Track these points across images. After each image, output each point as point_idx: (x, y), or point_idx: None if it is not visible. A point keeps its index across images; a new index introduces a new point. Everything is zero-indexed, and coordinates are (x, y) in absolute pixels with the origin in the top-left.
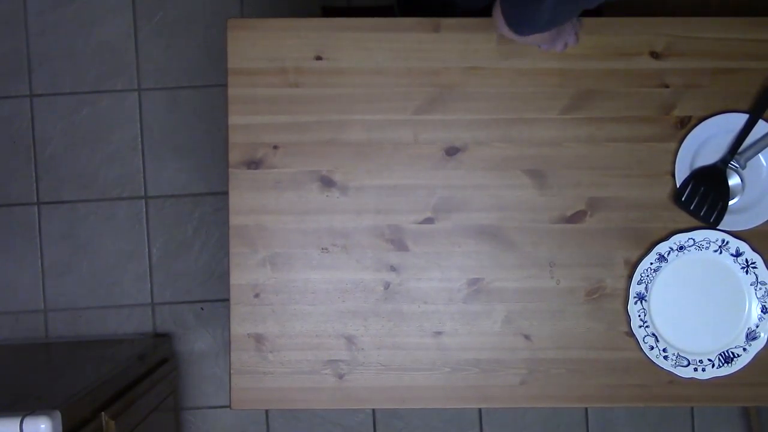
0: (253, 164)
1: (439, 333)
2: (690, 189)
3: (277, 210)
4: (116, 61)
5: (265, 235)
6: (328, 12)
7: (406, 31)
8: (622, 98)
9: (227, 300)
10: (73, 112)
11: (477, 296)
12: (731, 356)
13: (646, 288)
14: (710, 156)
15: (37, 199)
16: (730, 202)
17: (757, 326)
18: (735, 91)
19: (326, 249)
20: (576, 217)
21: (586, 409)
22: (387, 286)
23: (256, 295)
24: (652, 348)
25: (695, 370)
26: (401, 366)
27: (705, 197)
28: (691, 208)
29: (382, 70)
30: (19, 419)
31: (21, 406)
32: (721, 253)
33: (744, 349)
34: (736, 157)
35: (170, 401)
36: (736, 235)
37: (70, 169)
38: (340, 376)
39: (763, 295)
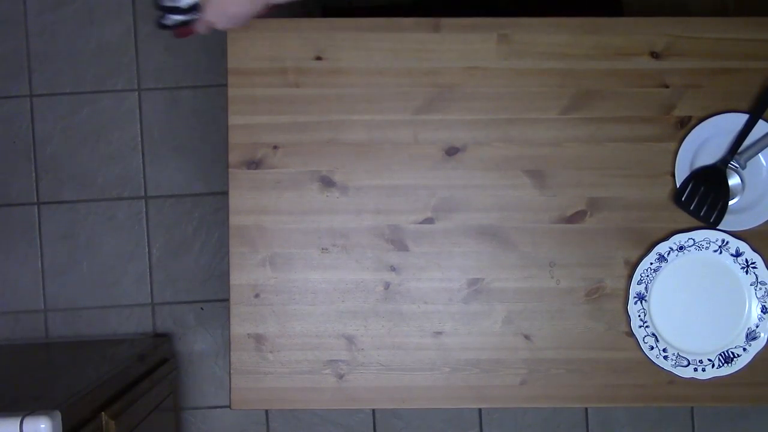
0: (253, 164)
1: (439, 333)
2: (690, 189)
3: (277, 210)
4: (116, 61)
5: (265, 235)
6: (328, 12)
7: (406, 31)
8: (622, 98)
9: (227, 300)
10: (73, 112)
11: (477, 296)
12: (731, 356)
13: (646, 288)
14: (710, 156)
15: (37, 199)
16: (730, 202)
17: (757, 326)
18: (735, 91)
19: (326, 249)
20: (576, 217)
21: (586, 409)
22: (387, 286)
23: (256, 295)
24: (652, 348)
25: (695, 370)
26: (401, 366)
27: (705, 197)
28: (691, 208)
29: (382, 70)
30: (19, 419)
31: (21, 406)
32: (721, 253)
33: (744, 349)
34: (736, 157)
35: (170, 401)
36: (736, 235)
37: (70, 169)
38: (340, 376)
39: (763, 295)
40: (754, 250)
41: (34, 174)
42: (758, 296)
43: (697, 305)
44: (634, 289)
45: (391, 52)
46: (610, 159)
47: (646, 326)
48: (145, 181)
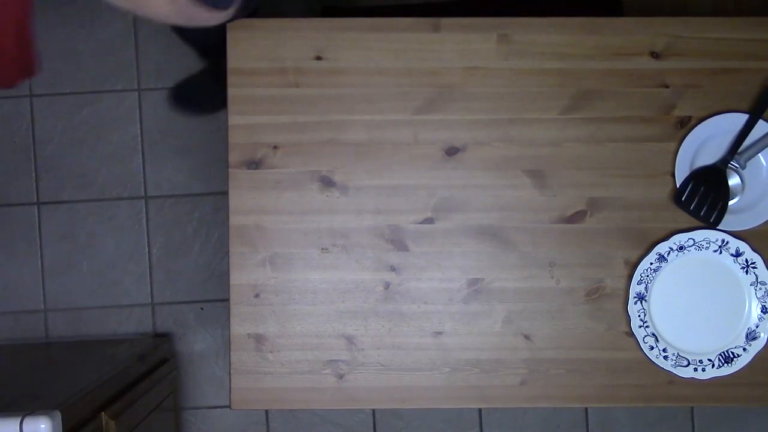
0: (253, 164)
1: (439, 333)
2: (690, 189)
3: (277, 210)
4: (116, 61)
5: (265, 235)
6: (328, 12)
7: (406, 31)
8: (622, 98)
9: (227, 300)
10: (73, 112)
11: (477, 296)
12: (731, 356)
13: (646, 288)
14: (710, 156)
15: (37, 199)
16: (730, 202)
17: (757, 326)
18: (735, 91)
19: (326, 249)
20: (576, 217)
21: (586, 409)
22: (387, 286)
23: (256, 295)
24: (652, 348)
25: (695, 370)
26: (401, 366)
27: (705, 197)
28: (691, 208)
29: (382, 70)
30: (19, 419)
31: (21, 406)
32: (721, 253)
33: (744, 349)
34: (736, 157)
35: (170, 401)
36: (736, 235)
37: (70, 169)
38: (340, 376)
39: (763, 295)
40: (754, 250)
41: (34, 174)
42: (758, 296)
43: (697, 305)
44: (634, 289)
45: (391, 52)
46: (610, 159)
47: (646, 326)
48: (145, 181)
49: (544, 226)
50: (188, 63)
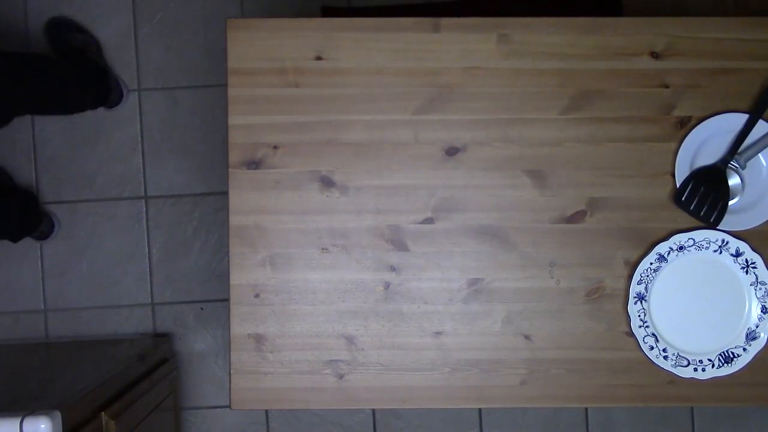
0: (253, 164)
1: (439, 333)
2: (690, 189)
3: (277, 210)
4: (116, 61)
5: (265, 235)
6: (328, 12)
7: (406, 31)
8: (622, 98)
9: (227, 300)
10: None
11: (477, 296)
12: (731, 356)
13: (646, 288)
14: (710, 156)
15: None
16: (730, 202)
17: (757, 326)
18: (735, 91)
19: (326, 249)
20: (576, 217)
21: (586, 409)
22: (387, 286)
23: (256, 295)
24: (652, 348)
25: (695, 370)
26: (401, 366)
27: (705, 197)
28: (691, 208)
29: (382, 70)
30: (19, 419)
31: (21, 406)
32: (721, 253)
33: (744, 349)
34: (736, 157)
35: (170, 401)
36: (736, 235)
37: (70, 169)
38: (340, 376)
39: (763, 295)
40: (754, 250)
41: (34, 174)
42: (758, 296)
43: (697, 305)
44: (634, 289)
45: (391, 52)
46: (610, 159)
47: (646, 326)
48: (145, 181)
49: (544, 226)
50: (188, 63)
